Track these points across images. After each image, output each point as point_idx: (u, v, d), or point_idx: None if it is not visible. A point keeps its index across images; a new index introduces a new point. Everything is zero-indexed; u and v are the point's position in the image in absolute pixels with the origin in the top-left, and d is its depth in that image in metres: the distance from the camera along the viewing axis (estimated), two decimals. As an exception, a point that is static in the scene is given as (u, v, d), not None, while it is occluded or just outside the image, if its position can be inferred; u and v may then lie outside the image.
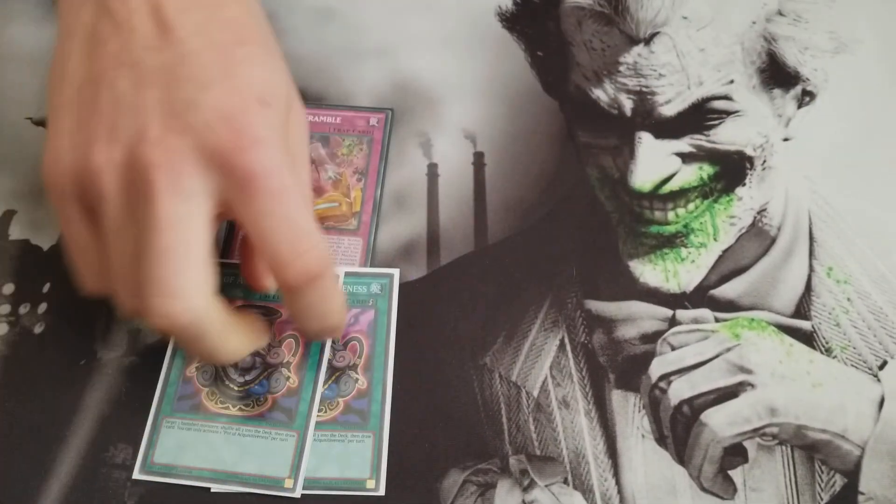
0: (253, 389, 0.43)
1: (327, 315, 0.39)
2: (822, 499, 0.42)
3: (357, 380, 0.44)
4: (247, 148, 0.35)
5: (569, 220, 0.49)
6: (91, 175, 0.36)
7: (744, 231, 0.48)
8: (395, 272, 0.47)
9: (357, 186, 0.50)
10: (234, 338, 0.39)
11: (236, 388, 0.43)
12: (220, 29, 0.38)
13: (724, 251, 0.48)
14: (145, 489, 0.42)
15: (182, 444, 0.43)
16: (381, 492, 0.42)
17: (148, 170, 0.35)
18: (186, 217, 0.35)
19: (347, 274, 0.46)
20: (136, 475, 0.42)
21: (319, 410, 0.43)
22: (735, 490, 0.42)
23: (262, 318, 0.43)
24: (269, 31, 0.41)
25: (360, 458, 0.42)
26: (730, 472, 0.42)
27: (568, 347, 0.46)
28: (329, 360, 0.44)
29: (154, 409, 0.44)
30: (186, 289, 0.35)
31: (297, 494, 0.41)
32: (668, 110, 0.51)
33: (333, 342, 0.45)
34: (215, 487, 0.42)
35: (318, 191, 0.50)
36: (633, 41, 0.52)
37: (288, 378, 0.43)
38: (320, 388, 0.43)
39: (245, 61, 0.37)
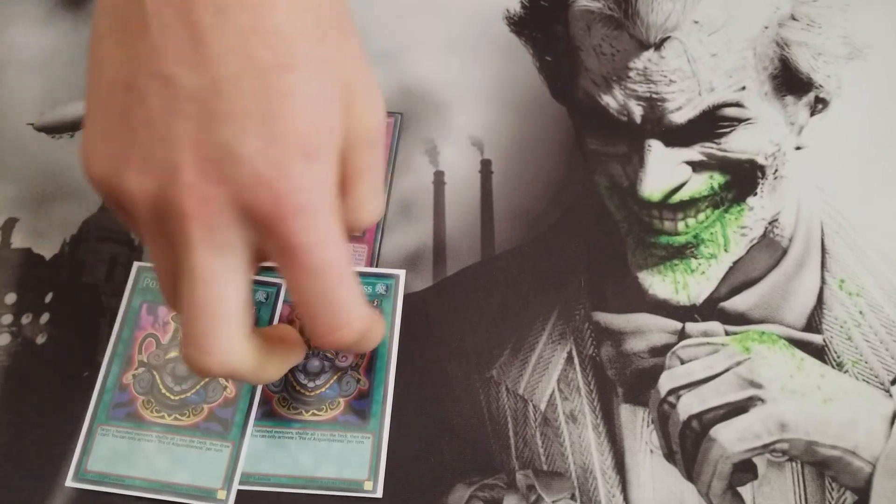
0: (189, 399, 0.43)
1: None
2: (832, 516, 0.41)
3: (359, 380, 0.44)
4: (286, 217, 0.33)
5: (577, 229, 0.49)
6: (124, 198, 0.34)
7: (755, 242, 0.48)
8: (401, 273, 0.47)
9: None
10: (270, 367, 0.38)
11: (172, 398, 0.43)
12: (261, 44, 0.33)
13: (735, 262, 0.47)
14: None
15: (116, 452, 0.42)
16: (379, 493, 0.42)
17: (182, 219, 0.33)
18: (222, 271, 0.34)
19: None
20: (70, 483, 0.42)
21: (319, 409, 0.43)
22: (744, 507, 0.42)
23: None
24: (327, 31, 0.35)
25: (359, 458, 0.42)
26: (739, 489, 0.42)
27: (576, 360, 0.45)
28: (332, 359, 0.44)
29: (89, 417, 0.43)
30: (220, 346, 0.34)
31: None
32: (679, 117, 0.50)
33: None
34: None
35: None
36: (644, 46, 0.51)
37: (225, 388, 0.43)
38: (257, 399, 0.43)
39: (287, 96, 0.33)
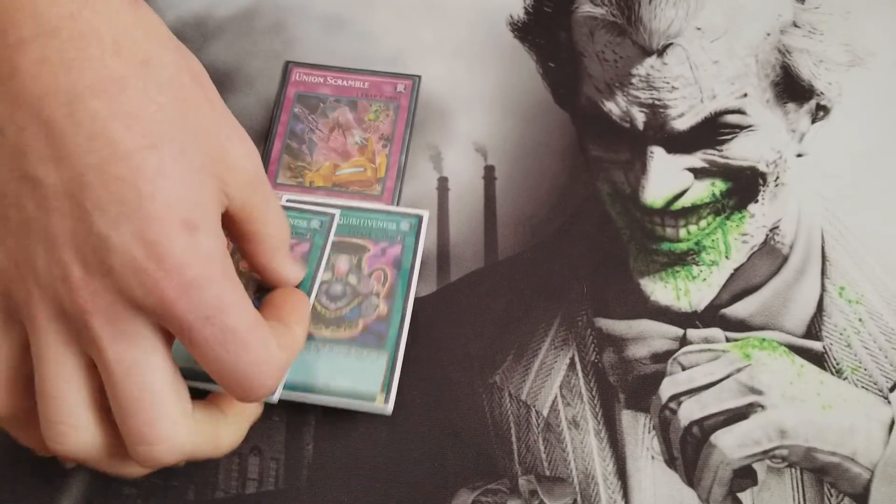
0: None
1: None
2: (830, 522, 0.42)
3: (377, 306, 0.45)
4: (173, 300, 0.33)
5: (579, 236, 0.49)
6: (20, 309, 0.34)
7: (756, 249, 0.48)
8: (426, 213, 0.48)
9: (382, 152, 0.51)
10: (226, 433, 0.39)
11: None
12: (121, 128, 0.33)
13: (736, 269, 0.48)
14: (156, 506, 0.42)
15: None
16: (389, 411, 0.43)
17: (84, 316, 0.33)
18: (137, 360, 0.34)
19: (379, 211, 0.48)
20: None
21: (340, 327, 0.45)
22: (744, 513, 0.42)
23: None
24: (188, 101, 0.35)
25: (373, 374, 0.44)
26: (739, 495, 0.42)
27: (578, 366, 0.46)
28: (354, 286, 0.46)
29: None
30: (164, 433, 0.34)
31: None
32: (681, 124, 0.50)
33: (359, 268, 0.46)
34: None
35: (344, 155, 0.51)
36: (646, 52, 0.52)
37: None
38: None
39: (158, 176, 0.33)
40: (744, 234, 0.48)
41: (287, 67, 0.53)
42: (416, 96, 0.53)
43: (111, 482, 0.43)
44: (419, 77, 0.53)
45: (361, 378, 0.44)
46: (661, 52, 0.52)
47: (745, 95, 0.51)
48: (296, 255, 0.45)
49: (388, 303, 0.46)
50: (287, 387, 0.43)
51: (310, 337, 0.45)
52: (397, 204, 0.50)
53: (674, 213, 0.49)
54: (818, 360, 0.45)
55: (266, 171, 0.49)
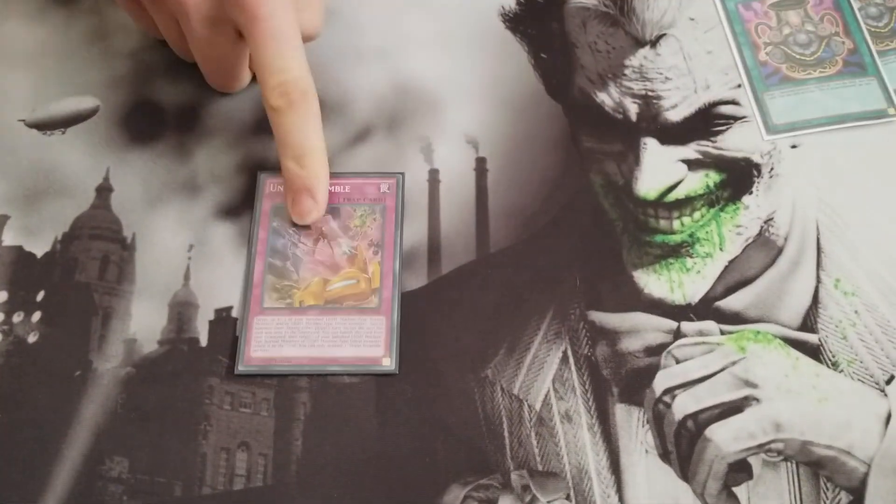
0: (821, 56, 0.50)
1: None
2: (827, 516, 0.41)
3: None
4: None
5: (572, 228, 0.48)
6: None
7: (750, 241, 0.48)
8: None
9: (374, 260, 0.47)
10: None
11: (808, 58, 0.50)
12: None
13: (731, 261, 0.47)
14: None
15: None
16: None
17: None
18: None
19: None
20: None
21: None
22: (739, 507, 0.42)
23: None
24: None
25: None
26: (734, 489, 0.42)
27: (571, 360, 0.45)
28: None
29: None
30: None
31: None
32: (674, 115, 0.50)
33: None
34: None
35: (333, 268, 0.47)
36: (639, 43, 0.51)
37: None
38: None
39: None
40: (738, 226, 0.48)
41: (259, 179, 0.49)
42: (403, 195, 0.49)
43: (96, 479, 0.42)
44: (402, 174, 0.50)
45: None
46: (654, 43, 0.51)
47: (739, 86, 0.51)
48: None
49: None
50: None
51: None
52: (398, 314, 0.46)
53: (667, 204, 0.48)
54: (814, 352, 0.45)
55: (250, 295, 0.46)
